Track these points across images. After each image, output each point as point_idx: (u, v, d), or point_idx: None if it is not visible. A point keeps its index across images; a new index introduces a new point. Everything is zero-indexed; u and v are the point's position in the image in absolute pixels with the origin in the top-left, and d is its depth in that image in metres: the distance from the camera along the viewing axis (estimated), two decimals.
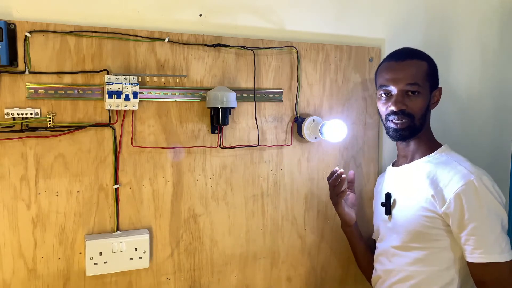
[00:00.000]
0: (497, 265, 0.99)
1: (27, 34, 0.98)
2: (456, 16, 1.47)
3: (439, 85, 1.17)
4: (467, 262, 1.03)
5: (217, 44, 1.14)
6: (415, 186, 1.11)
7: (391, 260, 1.15)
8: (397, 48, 1.20)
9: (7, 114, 0.98)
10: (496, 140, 1.59)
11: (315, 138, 1.23)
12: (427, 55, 1.15)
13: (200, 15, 1.15)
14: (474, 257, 1.00)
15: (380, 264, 1.19)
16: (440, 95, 1.17)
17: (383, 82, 1.14)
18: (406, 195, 1.13)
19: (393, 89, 1.11)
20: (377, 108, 1.20)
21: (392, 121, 1.12)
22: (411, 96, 1.10)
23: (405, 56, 1.13)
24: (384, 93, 1.14)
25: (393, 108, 1.10)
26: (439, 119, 1.47)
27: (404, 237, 1.11)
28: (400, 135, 1.13)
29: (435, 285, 1.07)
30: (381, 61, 1.22)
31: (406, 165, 1.17)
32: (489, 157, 1.57)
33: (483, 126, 1.57)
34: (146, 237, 1.09)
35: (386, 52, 1.32)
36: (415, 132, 1.12)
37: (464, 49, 1.50)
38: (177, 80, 1.12)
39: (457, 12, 1.47)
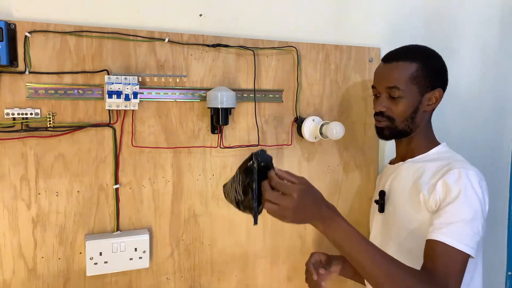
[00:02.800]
0: (452, 250, 0.94)
1: (27, 34, 0.98)
2: (456, 16, 1.47)
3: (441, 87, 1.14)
4: (426, 240, 0.98)
5: (217, 44, 1.14)
6: (408, 184, 1.11)
7: None
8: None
9: (7, 114, 0.97)
10: (496, 140, 1.59)
11: (315, 138, 1.23)
12: (423, 56, 1.11)
13: (200, 15, 1.15)
14: (434, 234, 0.96)
15: None
16: (439, 96, 1.13)
17: (373, 83, 1.18)
18: (399, 192, 1.14)
19: (378, 91, 1.14)
20: None
21: (376, 120, 1.16)
22: (395, 99, 1.10)
23: (393, 58, 1.12)
24: (374, 94, 1.17)
25: (375, 108, 1.14)
26: (439, 119, 1.46)
27: (398, 235, 1.11)
28: (381, 135, 1.16)
29: None
30: None
31: (401, 163, 1.18)
32: (489, 157, 1.57)
33: (483, 126, 1.57)
34: (146, 237, 1.09)
35: (386, 49, 1.31)
36: (399, 134, 1.13)
37: (464, 49, 1.50)
38: (177, 80, 1.12)
39: (457, 12, 1.47)
